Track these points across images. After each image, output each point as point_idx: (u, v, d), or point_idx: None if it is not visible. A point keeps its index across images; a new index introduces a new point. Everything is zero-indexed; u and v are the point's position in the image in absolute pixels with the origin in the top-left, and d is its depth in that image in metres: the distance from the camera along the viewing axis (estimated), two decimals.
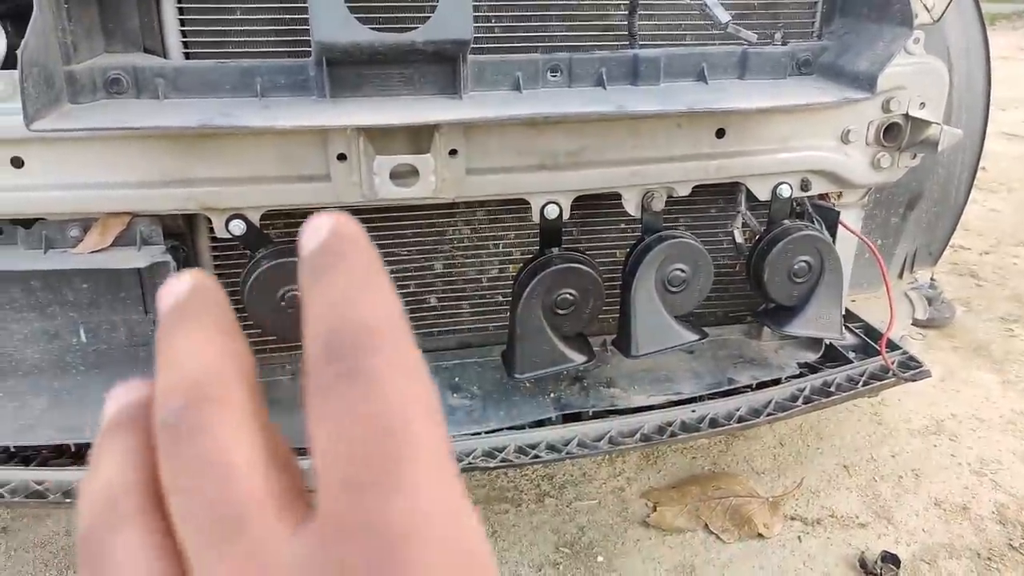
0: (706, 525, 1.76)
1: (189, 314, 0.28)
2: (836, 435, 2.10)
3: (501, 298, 1.59)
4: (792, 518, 1.80)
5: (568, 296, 1.36)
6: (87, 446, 1.40)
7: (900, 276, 2.19)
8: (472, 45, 1.25)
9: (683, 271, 1.38)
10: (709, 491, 1.85)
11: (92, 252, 1.25)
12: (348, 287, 0.26)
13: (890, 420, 2.17)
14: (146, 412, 0.27)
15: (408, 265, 1.53)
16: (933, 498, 1.87)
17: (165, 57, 1.28)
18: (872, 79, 1.29)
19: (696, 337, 1.42)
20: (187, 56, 1.29)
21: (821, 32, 1.48)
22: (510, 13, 1.37)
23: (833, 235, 1.48)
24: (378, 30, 1.15)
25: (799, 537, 1.75)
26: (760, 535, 1.73)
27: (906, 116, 1.42)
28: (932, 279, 2.74)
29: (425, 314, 1.58)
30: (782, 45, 1.41)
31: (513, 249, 1.56)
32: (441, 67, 1.22)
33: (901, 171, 1.49)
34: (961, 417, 2.19)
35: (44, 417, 1.33)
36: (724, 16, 1.23)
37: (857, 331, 1.70)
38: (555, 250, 1.37)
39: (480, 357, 1.60)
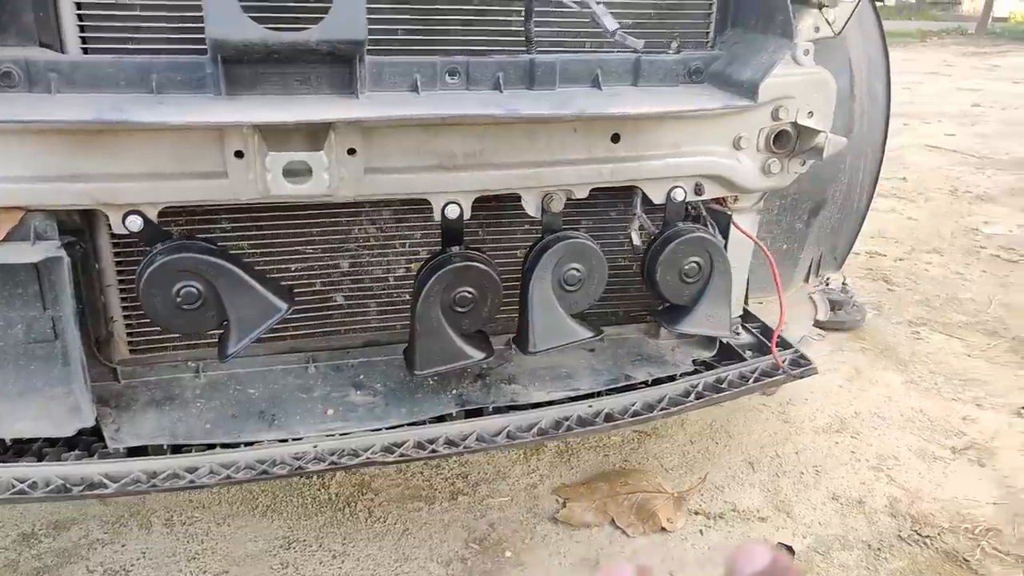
0: (613, 520, 1.81)
1: None
2: (744, 433, 2.17)
3: (408, 297, 1.61)
4: (696, 513, 1.86)
5: (467, 294, 1.39)
6: None
7: (806, 280, 2.27)
8: (374, 47, 1.28)
9: (579, 270, 1.42)
10: (617, 487, 1.89)
11: None
12: None
13: (796, 418, 2.25)
14: None
15: (314, 263, 1.54)
16: (831, 493, 1.94)
17: (62, 53, 1.28)
18: (754, 87, 1.36)
19: (591, 334, 1.46)
20: (85, 52, 1.29)
21: (715, 42, 1.54)
22: (411, 16, 1.40)
23: (726, 238, 1.54)
24: (275, 29, 1.17)
25: (701, 531, 1.80)
26: (664, 529, 1.78)
27: (795, 124, 1.49)
28: (844, 283, 2.84)
29: (331, 312, 1.59)
30: (676, 54, 1.47)
31: (419, 248, 1.59)
32: (338, 67, 1.25)
33: (791, 177, 1.55)
34: (864, 415, 2.28)
35: None
36: (612, 24, 1.28)
37: (754, 331, 1.77)
38: (454, 249, 1.40)
39: (386, 355, 1.62)
